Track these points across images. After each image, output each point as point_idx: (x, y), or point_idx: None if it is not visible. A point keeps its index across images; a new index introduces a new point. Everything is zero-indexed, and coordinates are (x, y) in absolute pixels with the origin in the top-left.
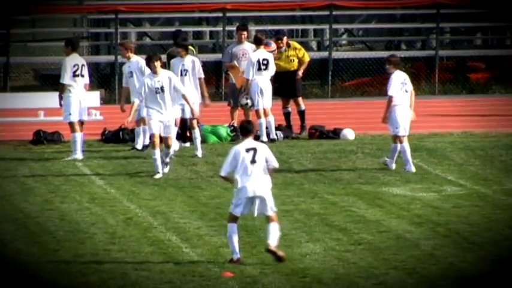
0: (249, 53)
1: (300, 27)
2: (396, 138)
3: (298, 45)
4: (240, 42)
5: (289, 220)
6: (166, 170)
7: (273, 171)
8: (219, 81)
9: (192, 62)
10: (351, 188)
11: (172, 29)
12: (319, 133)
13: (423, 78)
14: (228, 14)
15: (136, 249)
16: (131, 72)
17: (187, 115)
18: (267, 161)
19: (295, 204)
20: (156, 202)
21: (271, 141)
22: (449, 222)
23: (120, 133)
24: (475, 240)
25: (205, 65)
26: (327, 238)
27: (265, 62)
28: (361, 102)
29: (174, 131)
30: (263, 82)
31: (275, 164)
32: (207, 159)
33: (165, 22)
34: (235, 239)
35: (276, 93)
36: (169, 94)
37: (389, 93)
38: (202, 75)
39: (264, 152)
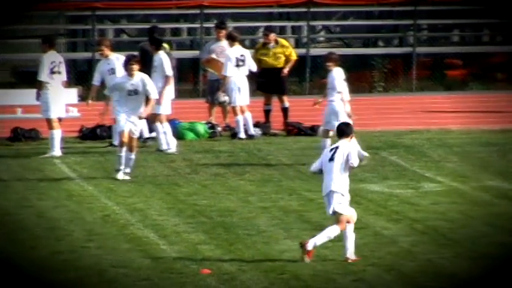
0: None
1: (278, 24)
2: (327, 133)
3: (286, 43)
4: (218, 39)
5: (267, 217)
6: (127, 170)
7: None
8: (196, 78)
9: (160, 60)
10: None
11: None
12: (297, 130)
13: (400, 75)
14: (206, 11)
15: (113, 247)
16: (112, 69)
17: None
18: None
19: (273, 201)
20: (134, 199)
21: (249, 137)
22: (427, 219)
23: (98, 130)
24: (452, 236)
25: (182, 62)
26: (304, 235)
27: (242, 58)
28: None
29: (138, 132)
30: (240, 79)
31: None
32: (184, 156)
33: (143, 19)
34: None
35: (261, 89)
36: (141, 98)
37: (339, 89)
38: (169, 73)
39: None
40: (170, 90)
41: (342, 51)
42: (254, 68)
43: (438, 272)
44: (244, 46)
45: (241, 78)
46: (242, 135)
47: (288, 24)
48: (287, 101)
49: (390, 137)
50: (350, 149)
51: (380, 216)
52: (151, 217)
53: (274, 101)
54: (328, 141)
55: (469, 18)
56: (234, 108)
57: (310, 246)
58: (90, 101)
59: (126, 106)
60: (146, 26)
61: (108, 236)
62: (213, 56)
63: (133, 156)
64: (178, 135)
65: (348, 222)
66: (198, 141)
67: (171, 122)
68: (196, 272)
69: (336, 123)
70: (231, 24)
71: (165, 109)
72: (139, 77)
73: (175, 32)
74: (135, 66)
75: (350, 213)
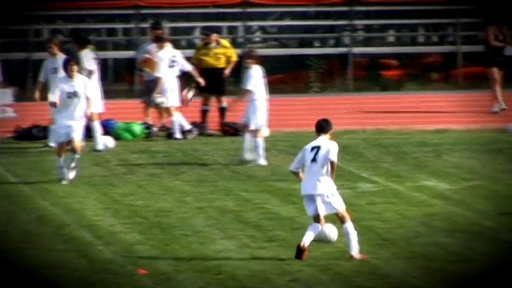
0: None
1: (214, 24)
2: (255, 132)
3: (227, 44)
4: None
5: (203, 217)
6: (72, 175)
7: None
8: (132, 78)
9: (83, 57)
10: (265, 184)
11: (86, 26)
12: (233, 130)
13: (337, 75)
14: (142, 11)
15: (49, 247)
16: (55, 69)
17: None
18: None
19: (209, 201)
20: (69, 199)
21: (186, 132)
22: (363, 218)
23: (33, 130)
24: (388, 236)
25: (118, 62)
26: (241, 235)
27: (174, 59)
28: (274, 99)
29: (80, 133)
30: (172, 80)
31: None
32: (120, 157)
33: (79, 19)
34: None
35: (200, 89)
36: (81, 100)
37: (248, 87)
38: (91, 68)
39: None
40: (96, 87)
41: (278, 52)
42: (188, 67)
43: (374, 271)
44: (179, 46)
45: (174, 79)
46: (178, 135)
47: (224, 24)
48: (225, 102)
49: None
50: (330, 146)
51: None
52: (87, 217)
53: (212, 101)
54: (248, 136)
55: (404, 18)
56: (168, 109)
57: (357, 255)
58: (37, 95)
59: (64, 109)
60: (82, 26)
61: (43, 237)
62: (149, 56)
63: (78, 156)
64: (114, 135)
65: (345, 219)
66: (134, 142)
67: (107, 122)
68: (132, 272)
69: (255, 120)
70: (167, 25)
71: (96, 107)
72: (79, 79)
73: (111, 32)
74: (75, 67)
75: (343, 208)
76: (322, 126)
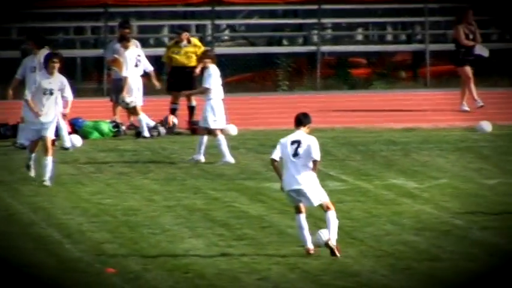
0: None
1: (182, 22)
2: (205, 131)
3: (198, 43)
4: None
5: (172, 216)
6: (49, 182)
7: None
8: (101, 76)
9: (40, 57)
10: (233, 183)
11: (55, 25)
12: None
13: (305, 74)
14: (110, 10)
15: (18, 246)
16: (35, 67)
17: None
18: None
19: (178, 199)
20: (38, 198)
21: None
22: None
23: (1, 129)
24: (356, 235)
25: (86, 61)
26: (209, 233)
27: (139, 58)
28: (243, 97)
29: (52, 133)
30: (138, 79)
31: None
32: (88, 155)
33: (48, 17)
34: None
35: (170, 87)
36: (55, 99)
37: (207, 85)
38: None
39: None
40: None
41: (246, 50)
42: (150, 68)
43: (342, 270)
44: (147, 45)
45: (139, 78)
46: (146, 133)
47: (193, 22)
48: (194, 100)
49: None
50: (310, 142)
51: (285, 215)
52: (55, 216)
53: (181, 99)
54: (205, 138)
55: (372, 17)
56: (135, 108)
57: (333, 241)
58: (10, 92)
59: (39, 106)
60: (52, 24)
61: (11, 236)
62: (116, 56)
63: (50, 161)
64: (83, 134)
65: (329, 208)
66: (103, 140)
67: (75, 120)
68: (101, 271)
69: (213, 121)
70: (135, 23)
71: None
72: (58, 77)
73: (79, 30)
74: (57, 65)
75: (327, 200)
76: (301, 120)
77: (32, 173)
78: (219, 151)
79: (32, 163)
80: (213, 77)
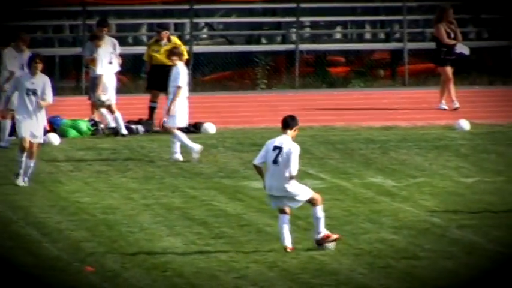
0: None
1: (161, 21)
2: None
3: (178, 42)
4: None
5: (150, 214)
6: (25, 179)
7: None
8: (79, 75)
9: (5, 55)
10: (212, 181)
11: (35, 23)
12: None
13: (283, 72)
14: (88, 8)
15: None
16: (22, 65)
17: None
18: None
19: (156, 198)
20: (16, 196)
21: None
22: (309, 215)
23: None
24: (335, 233)
25: (64, 59)
26: (187, 232)
27: (112, 56)
28: (221, 96)
29: (41, 138)
30: (111, 77)
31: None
32: (67, 154)
33: (26, 16)
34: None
35: (150, 86)
36: (37, 99)
37: (180, 84)
38: (11, 68)
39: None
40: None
41: (224, 49)
42: (117, 68)
43: (320, 268)
44: (126, 43)
45: (113, 76)
46: (124, 131)
47: (171, 21)
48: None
49: (273, 133)
50: (290, 152)
51: (263, 213)
52: (33, 214)
53: (161, 98)
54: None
55: (351, 15)
56: (110, 106)
57: (322, 234)
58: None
59: (24, 106)
60: (31, 23)
61: None
62: (95, 54)
63: (32, 164)
64: (61, 132)
65: (315, 203)
66: (81, 139)
67: (53, 119)
68: (79, 269)
69: (180, 120)
70: (113, 22)
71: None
72: (41, 78)
73: (58, 29)
74: (40, 65)
75: (311, 195)
76: (288, 122)
77: (20, 182)
78: (174, 148)
79: (21, 171)
80: (182, 75)
